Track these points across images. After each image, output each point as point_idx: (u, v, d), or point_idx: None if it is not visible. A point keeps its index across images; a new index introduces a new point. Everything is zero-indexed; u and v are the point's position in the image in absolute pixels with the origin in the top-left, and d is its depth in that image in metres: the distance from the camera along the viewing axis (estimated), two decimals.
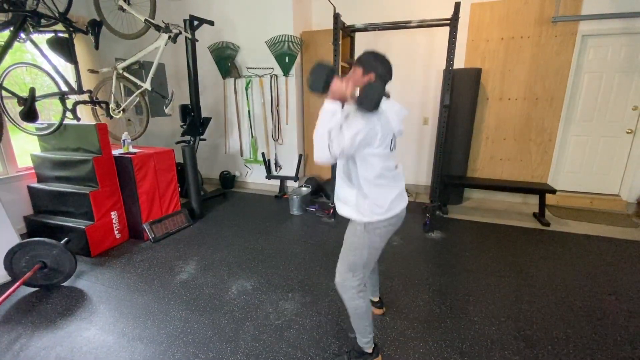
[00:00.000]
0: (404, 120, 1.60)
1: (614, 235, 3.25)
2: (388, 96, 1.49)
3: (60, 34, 2.68)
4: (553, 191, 3.63)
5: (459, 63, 3.97)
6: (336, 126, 1.34)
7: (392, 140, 1.51)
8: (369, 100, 1.26)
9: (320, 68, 1.33)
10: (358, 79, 1.47)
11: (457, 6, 2.93)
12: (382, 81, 1.47)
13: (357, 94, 1.34)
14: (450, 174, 4.11)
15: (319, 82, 1.31)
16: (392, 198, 1.52)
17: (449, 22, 3.02)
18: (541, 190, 3.65)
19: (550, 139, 3.98)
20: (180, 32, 3.15)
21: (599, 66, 3.72)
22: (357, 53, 4.24)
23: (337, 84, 1.33)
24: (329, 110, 1.34)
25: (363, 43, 4.32)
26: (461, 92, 3.81)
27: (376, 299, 2.11)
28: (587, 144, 3.97)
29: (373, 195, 1.49)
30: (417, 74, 4.28)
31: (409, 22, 3.26)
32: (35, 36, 2.54)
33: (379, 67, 1.46)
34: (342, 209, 1.59)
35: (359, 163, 1.46)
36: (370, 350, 1.72)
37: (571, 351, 1.81)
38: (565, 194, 4.09)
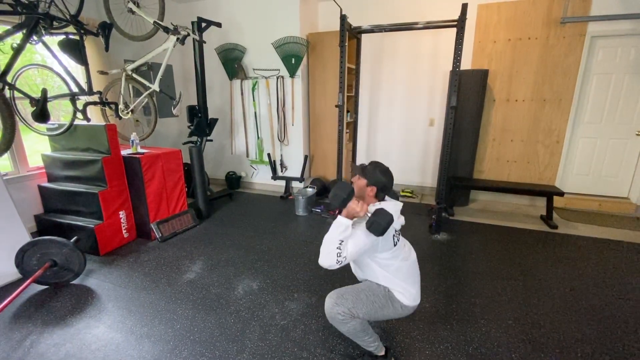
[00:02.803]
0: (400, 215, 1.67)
1: (623, 239, 3.20)
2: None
3: (71, 36, 2.73)
4: (561, 193, 3.59)
5: (465, 64, 3.95)
6: (346, 238, 1.47)
7: (394, 236, 1.59)
8: (378, 227, 1.41)
9: (342, 189, 1.50)
10: (362, 187, 1.61)
11: (464, 7, 2.92)
12: (383, 191, 1.61)
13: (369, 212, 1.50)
14: (457, 175, 4.10)
15: (339, 199, 1.48)
16: (413, 292, 1.63)
17: (455, 23, 3.01)
18: (549, 193, 3.62)
19: (558, 140, 3.94)
20: (188, 34, 3.19)
21: (608, 67, 3.68)
22: (364, 54, 4.27)
23: (353, 206, 1.48)
24: (343, 224, 1.47)
25: (369, 44, 4.33)
26: (468, 94, 3.80)
27: (382, 353, 2.08)
28: (596, 146, 3.93)
29: (395, 286, 1.61)
30: (424, 76, 4.27)
31: (416, 23, 3.26)
32: (47, 38, 2.58)
33: (382, 180, 1.59)
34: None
35: (372, 263, 1.61)
36: (382, 353, 1.71)
37: (579, 355, 1.79)
38: (574, 197, 4.05)
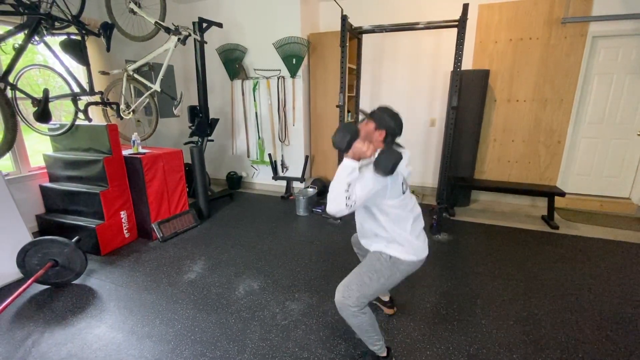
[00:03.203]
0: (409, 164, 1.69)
1: (624, 239, 3.20)
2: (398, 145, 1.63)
3: (73, 37, 2.73)
4: (562, 194, 3.59)
5: (466, 64, 3.95)
6: (354, 181, 1.43)
7: (402, 184, 1.59)
8: (384, 167, 1.38)
9: (346, 129, 1.44)
10: (370, 132, 1.56)
11: (466, 7, 2.92)
12: (392, 136, 1.57)
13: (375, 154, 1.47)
14: (458, 175, 4.09)
15: (343, 142, 1.42)
16: (419, 244, 1.62)
17: (456, 23, 3.01)
18: (550, 193, 3.61)
19: (560, 141, 3.93)
20: (190, 35, 3.19)
21: (609, 67, 3.68)
22: (364, 55, 4.27)
23: (359, 146, 1.43)
24: (349, 167, 1.42)
25: (370, 45, 4.33)
26: (469, 94, 3.80)
27: (387, 298, 2.12)
28: (597, 146, 3.92)
29: (400, 239, 1.59)
30: (425, 76, 4.27)
31: (417, 23, 3.26)
32: (49, 38, 2.59)
33: (391, 124, 1.55)
34: (371, 246, 1.69)
35: (378, 213, 1.58)
36: (384, 354, 1.72)
37: (580, 356, 1.79)
38: (575, 197, 4.04)
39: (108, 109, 3.41)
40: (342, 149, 1.45)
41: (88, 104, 2.97)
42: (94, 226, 2.84)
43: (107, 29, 2.97)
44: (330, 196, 1.44)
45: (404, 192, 1.58)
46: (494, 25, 3.86)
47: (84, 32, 2.75)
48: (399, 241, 1.59)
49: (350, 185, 1.41)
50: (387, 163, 1.37)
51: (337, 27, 3.50)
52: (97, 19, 3.47)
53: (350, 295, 1.54)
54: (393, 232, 1.58)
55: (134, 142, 3.24)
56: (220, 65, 4.62)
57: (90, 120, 3.00)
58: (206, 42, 3.65)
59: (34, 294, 2.37)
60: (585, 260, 2.81)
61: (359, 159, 1.44)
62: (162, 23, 3.05)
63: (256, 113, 4.66)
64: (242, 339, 1.92)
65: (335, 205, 1.41)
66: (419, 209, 1.70)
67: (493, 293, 2.36)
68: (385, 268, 1.60)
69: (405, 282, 2.47)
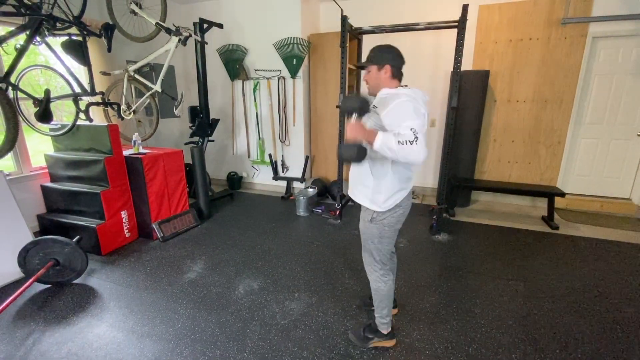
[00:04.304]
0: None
1: (624, 240, 3.20)
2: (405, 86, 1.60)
3: (74, 37, 2.74)
4: (562, 194, 3.59)
5: (466, 65, 3.96)
6: (392, 137, 1.34)
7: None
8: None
9: (352, 99, 1.44)
10: (375, 75, 1.55)
11: (465, 8, 2.92)
12: (397, 68, 1.54)
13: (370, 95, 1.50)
14: (458, 176, 4.09)
15: (353, 154, 1.40)
16: (395, 196, 1.64)
17: (456, 24, 3.02)
18: (550, 193, 3.61)
19: (560, 141, 3.94)
20: (190, 35, 3.20)
21: (609, 68, 3.68)
22: (364, 56, 4.27)
23: (352, 131, 1.41)
24: (382, 142, 1.35)
25: (370, 45, 4.31)
26: (469, 94, 3.80)
27: None
28: (597, 146, 3.92)
29: (383, 188, 1.61)
30: (425, 76, 4.27)
31: (417, 24, 3.27)
32: (50, 39, 2.60)
33: (389, 56, 1.54)
34: (358, 196, 1.74)
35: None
36: (385, 332, 1.84)
37: (580, 355, 1.79)
38: (575, 197, 4.04)
39: (109, 109, 3.42)
40: (356, 159, 1.41)
41: (89, 105, 2.99)
42: (95, 226, 2.85)
43: (108, 30, 2.98)
44: (405, 154, 1.31)
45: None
46: (494, 25, 3.86)
47: (85, 32, 2.76)
48: (381, 191, 1.60)
49: (392, 141, 1.31)
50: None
51: (338, 27, 3.50)
52: (98, 19, 3.48)
53: (369, 260, 1.78)
54: (382, 177, 1.57)
55: (134, 142, 3.25)
56: (220, 65, 4.64)
57: (91, 120, 3.01)
58: (207, 43, 3.66)
59: (34, 293, 2.38)
60: (585, 261, 2.81)
61: (368, 137, 1.38)
62: (162, 24, 3.07)
63: (256, 113, 4.67)
64: (242, 339, 1.93)
65: (414, 153, 1.30)
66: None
67: (492, 293, 2.36)
68: (373, 230, 1.69)
69: (404, 281, 2.49)
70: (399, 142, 1.31)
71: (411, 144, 1.29)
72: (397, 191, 1.63)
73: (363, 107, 1.42)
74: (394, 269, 2.06)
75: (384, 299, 1.79)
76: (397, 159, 1.35)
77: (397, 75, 1.56)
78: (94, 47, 3.40)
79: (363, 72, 1.66)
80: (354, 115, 1.47)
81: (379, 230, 1.69)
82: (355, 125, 1.40)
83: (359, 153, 1.39)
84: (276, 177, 4.66)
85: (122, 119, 3.35)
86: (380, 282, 1.77)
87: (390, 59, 1.52)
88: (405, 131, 1.32)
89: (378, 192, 1.63)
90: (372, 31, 3.53)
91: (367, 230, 1.73)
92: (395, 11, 4.17)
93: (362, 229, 1.78)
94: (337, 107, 3.53)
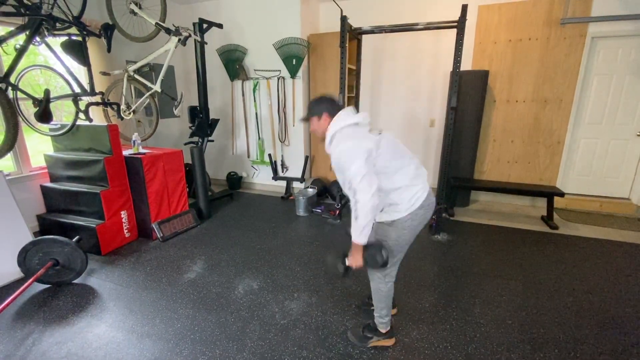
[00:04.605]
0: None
1: (624, 239, 3.20)
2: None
3: (74, 37, 2.74)
4: (562, 194, 3.59)
5: (466, 65, 3.96)
6: (352, 222, 1.50)
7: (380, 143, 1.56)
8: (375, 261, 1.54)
9: (332, 266, 1.65)
10: (318, 125, 1.68)
11: (465, 8, 2.92)
12: (332, 112, 1.64)
13: (327, 139, 1.62)
14: (457, 176, 4.10)
15: (339, 270, 1.63)
16: (409, 197, 1.58)
17: (456, 24, 3.02)
18: (549, 193, 3.62)
19: (559, 141, 3.94)
20: (190, 35, 3.21)
21: (608, 68, 3.68)
22: (364, 55, 4.28)
23: (354, 260, 1.57)
24: (357, 236, 1.51)
25: (370, 45, 4.34)
26: (468, 94, 3.81)
27: None
28: (597, 146, 3.93)
29: (398, 200, 1.59)
30: (424, 76, 4.28)
31: (416, 24, 3.27)
32: (50, 39, 2.60)
33: (325, 106, 1.65)
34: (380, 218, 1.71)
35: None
36: (383, 331, 1.85)
37: (578, 355, 1.80)
38: (574, 197, 4.04)
39: (109, 109, 3.43)
40: (346, 274, 1.63)
41: (89, 105, 2.99)
42: (95, 226, 2.85)
43: (107, 30, 2.98)
44: (357, 227, 1.48)
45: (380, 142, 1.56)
46: (494, 25, 3.87)
47: (85, 32, 2.76)
48: (394, 202, 1.58)
49: (354, 225, 1.48)
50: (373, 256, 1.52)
51: (337, 27, 3.51)
52: (98, 19, 3.48)
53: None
54: (389, 191, 1.57)
55: (134, 142, 3.25)
56: (220, 65, 4.64)
57: (91, 120, 3.01)
58: (206, 43, 3.67)
59: (34, 293, 2.38)
60: (585, 261, 2.82)
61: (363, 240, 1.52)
62: (162, 24, 3.07)
63: (256, 113, 4.67)
64: (242, 338, 1.93)
65: (361, 202, 1.43)
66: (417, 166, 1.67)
67: (492, 293, 2.36)
68: (390, 231, 1.64)
69: (404, 281, 2.49)
70: (355, 217, 1.46)
71: (356, 195, 1.44)
72: (407, 188, 1.57)
73: (344, 269, 1.62)
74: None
75: (383, 299, 1.79)
76: (366, 217, 1.45)
77: (335, 114, 1.63)
78: (93, 47, 3.40)
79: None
80: (346, 260, 1.62)
81: (396, 234, 1.63)
82: (354, 258, 1.57)
83: (380, 258, 1.53)
84: (276, 177, 4.66)
85: (122, 119, 3.35)
86: (380, 283, 1.76)
87: (326, 108, 1.64)
88: (350, 179, 1.46)
89: (393, 204, 1.60)
90: (372, 31, 3.54)
91: (383, 231, 1.66)
92: (394, 11, 4.17)
93: (377, 228, 1.70)
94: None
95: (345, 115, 1.59)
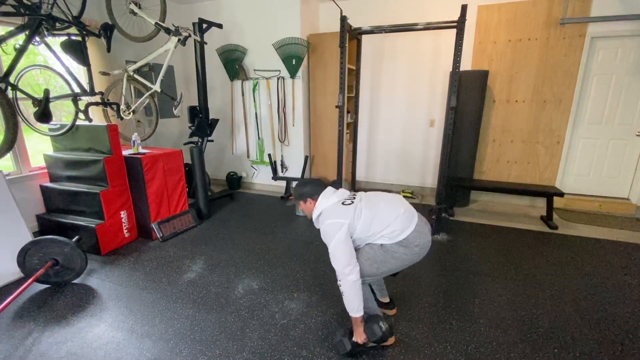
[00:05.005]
0: None
1: (623, 239, 3.20)
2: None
3: (74, 37, 2.74)
4: (561, 194, 3.59)
5: (465, 65, 3.97)
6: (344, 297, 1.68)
7: (348, 206, 1.73)
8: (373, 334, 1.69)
9: (342, 349, 1.75)
10: (304, 208, 1.86)
11: (464, 8, 2.92)
12: (313, 195, 1.80)
13: (314, 217, 1.80)
14: (457, 176, 4.10)
15: (345, 347, 1.74)
16: (400, 227, 1.70)
17: (455, 24, 3.02)
18: (549, 193, 3.62)
19: (559, 141, 3.94)
20: (190, 35, 3.20)
21: (608, 68, 3.69)
22: (364, 55, 4.29)
23: (358, 335, 1.71)
24: (351, 311, 1.67)
25: (370, 45, 4.34)
26: (468, 94, 3.81)
27: (386, 300, 2.12)
28: (596, 146, 3.93)
29: (387, 233, 1.71)
30: (424, 76, 4.28)
31: (416, 24, 3.27)
32: (50, 39, 2.60)
33: (304, 190, 1.82)
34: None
35: (361, 244, 1.78)
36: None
37: (577, 355, 1.80)
38: (574, 197, 4.05)
39: (108, 109, 3.42)
40: (348, 350, 1.74)
41: (88, 105, 2.99)
42: (94, 226, 2.85)
43: (107, 30, 2.98)
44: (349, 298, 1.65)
45: (355, 210, 1.71)
46: (493, 25, 3.87)
47: (84, 32, 2.76)
48: (390, 236, 1.69)
49: (345, 298, 1.66)
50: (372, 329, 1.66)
51: (337, 28, 3.51)
52: (97, 19, 3.48)
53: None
54: (380, 238, 1.70)
55: (134, 142, 3.25)
56: (220, 65, 4.64)
57: (90, 120, 3.01)
58: (206, 43, 3.66)
59: (34, 293, 2.38)
60: (584, 261, 2.82)
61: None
62: (162, 24, 3.07)
63: (256, 113, 4.67)
64: (241, 338, 1.93)
65: (338, 271, 1.65)
66: (379, 196, 1.81)
67: (491, 293, 2.37)
68: (378, 255, 1.70)
69: (403, 281, 2.49)
70: (342, 294, 1.66)
71: (337, 274, 1.66)
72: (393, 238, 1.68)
73: (351, 348, 1.74)
74: (382, 286, 2.11)
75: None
76: (351, 292, 1.63)
77: (317, 199, 1.80)
78: (93, 47, 3.40)
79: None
80: (353, 341, 1.74)
81: (383, 257, 1.69)
82: (358, 333, 1.70)
83: (378, 330, 1.67)
84: (275, 177, 4.66)
85: (122, 119, 3.35)
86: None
87: (308, 194, 1.81)
88: (331, 255, 1.66)
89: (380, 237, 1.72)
90: (372, 31, 3.54)
91: (372, 252, 1.71)
92: (394, 11, 4.17)
93: (367, 249, 1.75)
94: (337, 107, 3.53)
95: (325, 200, 1.77)
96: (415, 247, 1.68)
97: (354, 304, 1.63)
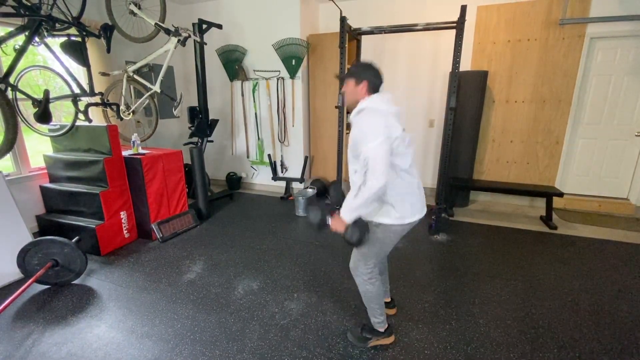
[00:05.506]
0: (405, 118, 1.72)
1: (622, 239, 3.21)
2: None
3: (73, 38, 2.74)
4: (560, 194, 3.60)
5: (465, 65, 3.97)
6: (348, 200, 1.52)
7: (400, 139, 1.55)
8: (353, 238, 1.55)
9: (314, 217, 1.67)
10: (353, 89, 1.61)
11: (464, 9, 2.93)
12: (374, 84, 1.58)
13: (346, 101, 1.59)
14: (457, 176, 4.10)
15: (317, 226, 1.66)
16: (407, 208, 1.61)
17: (455, 24, 3.03)
18: (548, 193, 3.62)
19: (558, 141, 3.95)
20: (189, 36, 3.20)
21: (607, 68, 3.69)
22: (364, 56, 4.29)
23: (336, 224, 1.59)
24: (348, 213, 1.52)
25: (369, 46, 4.34)
26: (467, 95, 3.81)
27: (388, 300, 2.13)
28: (595, 146, 3.94)
29: (395, 202, 1.58)
30: (423, 77, 4.28)
31: (415, 25, 3.27)
32: (49, 40, 2.60)
33: (368, 72, 1.58)
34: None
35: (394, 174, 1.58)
36: (381, 330, 1.84)
37: (577, 355, 1.80)
38: (573, 197, 4.05)
39: (108, 109, 3.42)
40: (323, 228, 1.65)
41: (88, 105, 2.99)
42: (94, 226, 2.85)
43: (107, 31, 2.98)
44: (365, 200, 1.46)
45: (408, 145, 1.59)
46: (493, 26, 3.88)
47: (84, 33, 2.76)
48: (390, 203, 1.57)
49: (351, 203, 1.49)
50: (354, 234, 1.52)
51: (337, 28, 3.51)
52: (97, 20, 3.48)
53: (358, 264, 1.74)
54: (390, 192, 1.55)
55: (133, 142, 3.25)
56: (220, 66, 4.64)
57: (90, 121, 3.02)
58: (206, 44, 3.67)
59: (34, 294, 2.38)
60: (583, 261, 2.83)
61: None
62: (162, 24, 3.07)
63: (256, 114, 4.67)
64: (241, 339, 1.93)
65: (371, 185, 1.42)
66: (419, 181, 1.69)
67: (491, 293, 2.37)
68: (376, 235, 1.65)
69: (403, 281, 2.49)
70: (354, 196, 1.46)
71: (366, 176, 1.42)
72: (409, 196, 1.59)
73: (322, 223, 1.65)
74: (382, 269, 2.06)
75: (373, 299, 1.78)
76: (366, 201, 1.45)
77: (374, 92, 1.59)
78: (93, 48, 3.40)
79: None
80: (328, 219, 1.64)
81: (383, 234, 1.65)
82: (336, 223, 1.58)
83: (359, 233, 1.54)
84: (275, 177, 4.67)
85: (121, 119, 3.35)
86: (367, 284, 1.74)
87: (370, 76, 1.57)
88: (366, 156, 1.43)
89: (388, 206, 1.59)
90: (371, 32, 3.54)
91: (371, 234, 1.66)
92: (394, 12, 4.18)
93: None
94: (337, 107, 3.54)
95: (383, 104, 1.54)
96: (392, 235, 1.65)
97: (358, 210, 1.48)
